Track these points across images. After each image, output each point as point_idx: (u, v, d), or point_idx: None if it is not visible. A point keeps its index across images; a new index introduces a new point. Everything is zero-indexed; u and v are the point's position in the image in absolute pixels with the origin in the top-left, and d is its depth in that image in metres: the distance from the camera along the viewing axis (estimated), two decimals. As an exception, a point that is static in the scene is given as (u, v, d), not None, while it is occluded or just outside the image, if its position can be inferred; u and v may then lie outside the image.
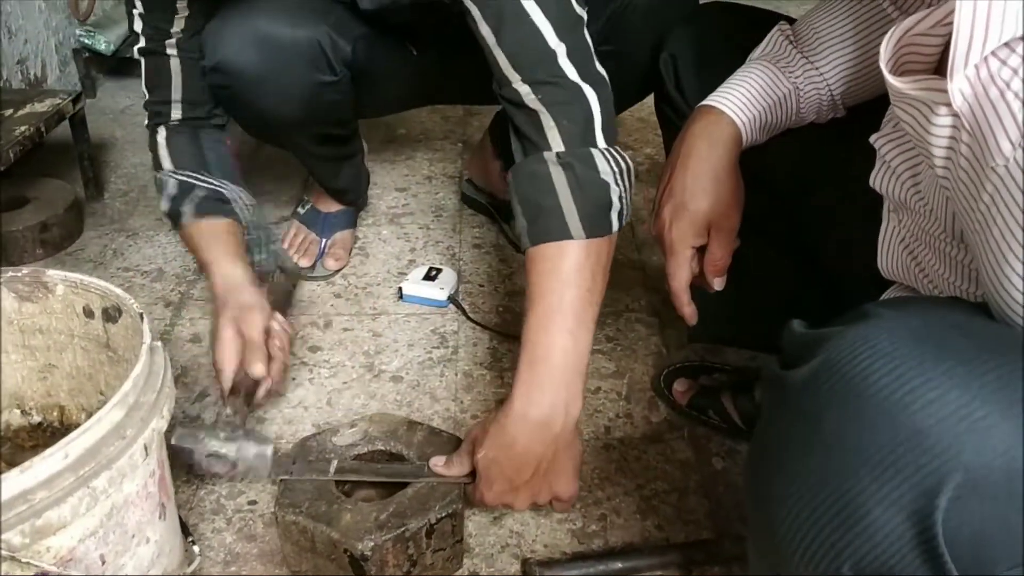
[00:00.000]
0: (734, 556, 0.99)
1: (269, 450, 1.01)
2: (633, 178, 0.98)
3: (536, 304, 0.93)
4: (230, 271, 1.15)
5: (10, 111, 1.59)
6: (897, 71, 0.66)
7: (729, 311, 1.08)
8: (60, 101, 1.64)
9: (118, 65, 2.31)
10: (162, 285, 1.50)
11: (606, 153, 0.95)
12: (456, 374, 1.29)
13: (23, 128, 1.53)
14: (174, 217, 1.22)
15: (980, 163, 0.57)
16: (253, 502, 1.08)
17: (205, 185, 1.21)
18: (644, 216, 1.67)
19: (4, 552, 0.65)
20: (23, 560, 0.67)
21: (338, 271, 1.51)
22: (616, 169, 0.95)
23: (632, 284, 1.48)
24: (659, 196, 0.98)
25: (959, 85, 0.57)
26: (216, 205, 1.21)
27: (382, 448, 1.03)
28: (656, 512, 1.06)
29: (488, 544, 1.02)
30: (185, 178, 1.22)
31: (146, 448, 0.74)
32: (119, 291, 0.86)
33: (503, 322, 1.39)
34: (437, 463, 0.97)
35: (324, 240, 1.52)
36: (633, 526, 1.04)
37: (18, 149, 1.50)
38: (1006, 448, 0.50)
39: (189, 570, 0.86)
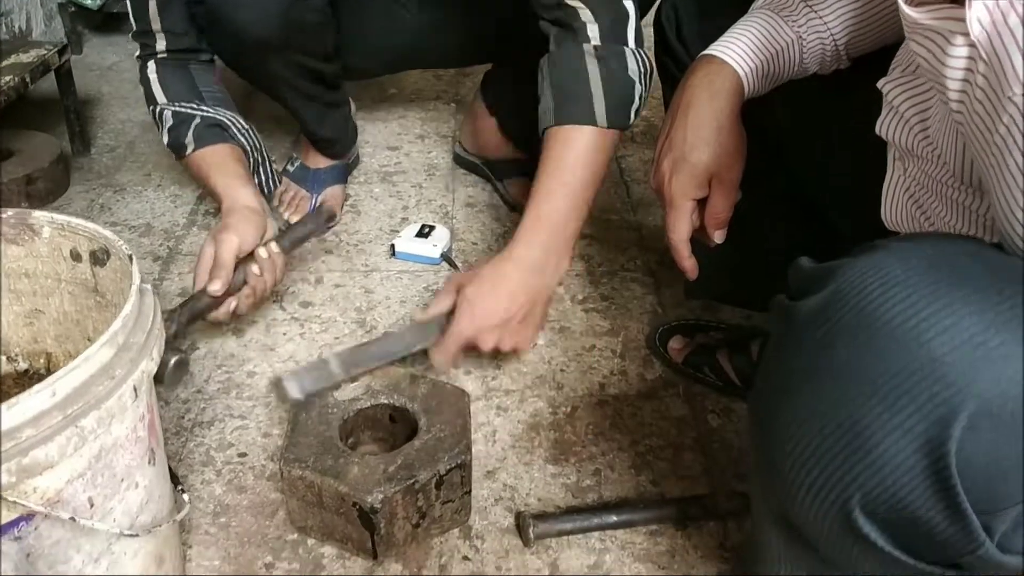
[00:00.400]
0: (729, 512, 0.98)
1: (172, 360, 0.99)
2: (653, 80, 1.08)
3: (549, 175, 1.05)
4: (237, 194, 1.19)
5: (-6, 61, 1.55)
6: (912, 2, 0.64)
7: (728, 268, 1.06)
8: (46, 52, 1.61)
9: (105, 20, 2.27)
10: (150, 240, 1.47)
11: (636, 53, 1.07)
12: (449, 330, 1.27)
13: (8, 78, 1.50)
14: (177, 148, 1.25)
15: (997, 93, 0.56)
16: (243, 454, 1.07)
17: (202, 114, 1.25)
18: (640, 177, 1.65)
19: (-10, 490, 0.63)
20: (9, 499, 0.65)
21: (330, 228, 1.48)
22: (641, 69, 1.07)
23: (628, 244, 1.46)
24: (659, 148, 0.96)
25: (977, 13, 0.55)
26: (216, 132, 1.25)
27: (385, 401, 1.02)
28: (651, 468, 1.05)
29: (481, 498, 1.01)
30: (181, 109, 1.25)
31: (135, 390, 0.72)
32: (107, 233, 0.84)
33: (497, 280, 1.38)
34: (416, 314, 1.01)
35: (314, 196, 1.50)
36: (627, 481, 1.03)
37: (2, 100, 1.47)
38: (1022, 377, 0.48)
39: (179, 517, 0.85)
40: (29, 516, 0.68)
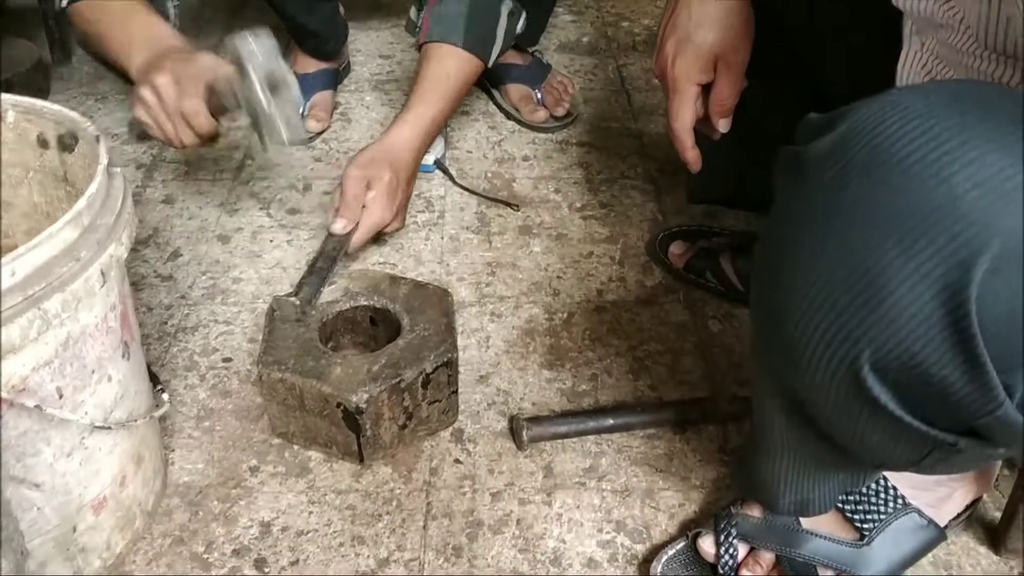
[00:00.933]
0: (730, 415, 0.95)
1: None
2: None
3: (438, 84, 1.18)
4: (173, 39, 1.10)
5: (-34, -40, 1.48)
6: None
7: (733, 166, 1.01)
8: (20, -48, 1.54)
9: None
10: (133, 148, 1.42)
11: (524, 19, 1.28)
12: (442, 237, 1.23)
13: (-20, -22, 1.43)
14: None
15: None
16: (228, 359, 1.03)
17: None
18: (641, 85, 1.59)
19: (-53, 374, 0.60)
20: (-31, 384, 0.62)
21: (319, 134, 1.43)
22: (519, 32, 1.29)
23: (628, 152, 1.41)
24: (662, 30, 0.91)
25: None
26: None
27: (365, 303, 0.98)
28: (649, 373, 1.02)
29: (474, 402, 0.98)
30: None
31: (103, 274, 0.68)
32: (74, 115, 0.79)
33: (491, 188, 1.33)
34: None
35: (303, 102, 1.44)
36: (625, 386, 1.00)
37: (-25, -1, 1.40)
38: None
39: (157, 414, 0.82)
40: (-7, 405, 0.65)
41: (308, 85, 1.45)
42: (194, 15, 1.77)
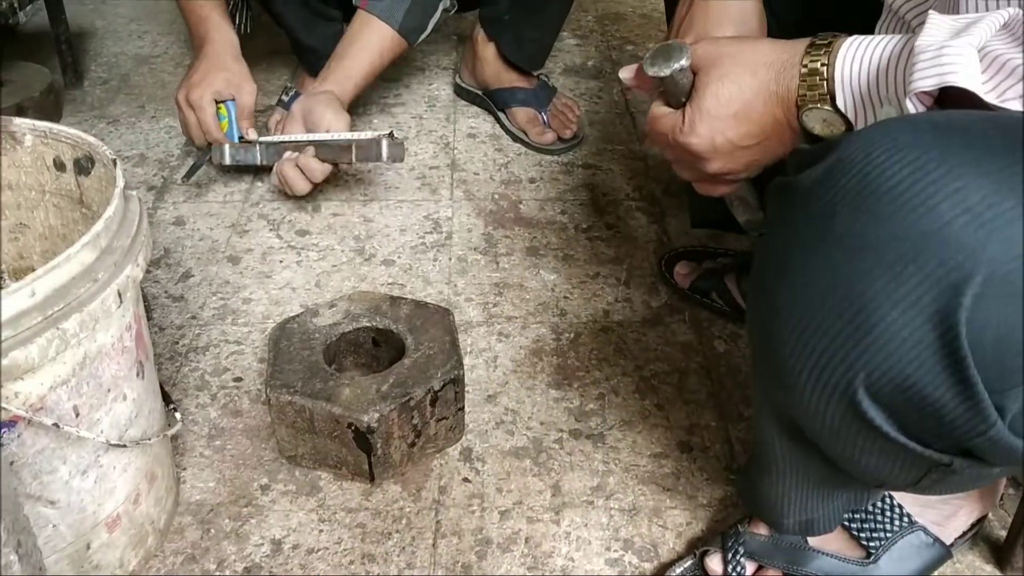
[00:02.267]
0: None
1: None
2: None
3: (364, 51, 1.33)
4: (229, 39, 1.34)
5: (-19, -14, 1.51)
6: None
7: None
8: (34, -22, 1.56)
9: (97, -45, 2.21)
10: (144, 170, 1.44)
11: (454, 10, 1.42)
12: (450, 258, 1.24)
13: (-5, 3, 1.45)
14: None
15: None
16: (239, 379, 1.04)
17: None
18: (645, 108, 1.60)
19: (-32, 392, 0.61)
20: (-11, 402, 0.63)
21: (327, 156, 1.45)
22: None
23: (633, 174, 1.43)
24: (676, 28, 0.88)
25: None
26: None
27: (368, 324, 0.99)
28: (656, 392, 1.03)
29: (482, 421, 0.99)
30: None
31: (120, 295, 0.69)
32: (91, 138, 0.81)
33: (498, 209, 1.34)
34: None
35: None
36: (632, 405, 1.01)
37: (-10, 25, 1.42)
38: None
39: (170, 432, 0.83)
40: (12, 423, 0.66)
41: (317, 108, 1.47)
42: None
